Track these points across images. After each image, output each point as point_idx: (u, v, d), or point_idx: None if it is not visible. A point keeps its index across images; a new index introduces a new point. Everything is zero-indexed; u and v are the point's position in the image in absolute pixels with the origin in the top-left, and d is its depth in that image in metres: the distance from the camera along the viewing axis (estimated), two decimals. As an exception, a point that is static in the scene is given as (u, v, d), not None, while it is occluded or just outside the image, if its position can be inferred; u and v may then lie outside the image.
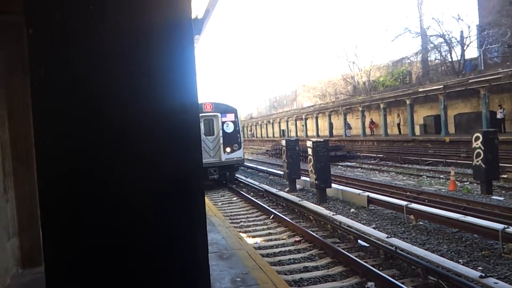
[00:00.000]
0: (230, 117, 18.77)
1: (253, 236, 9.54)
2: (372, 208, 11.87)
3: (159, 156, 1.15)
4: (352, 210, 11.87)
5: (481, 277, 5.61)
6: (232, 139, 18.44)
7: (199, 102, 12.18)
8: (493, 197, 12.50)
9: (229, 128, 18.59)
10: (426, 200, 11.98)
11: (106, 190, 1.10)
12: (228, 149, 18.31)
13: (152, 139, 1.14)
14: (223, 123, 18.48)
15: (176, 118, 1.18)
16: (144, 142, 1.14)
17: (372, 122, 37.80)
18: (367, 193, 12.39)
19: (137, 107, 1.15)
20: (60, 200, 1.13)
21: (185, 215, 1.15)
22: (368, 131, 37.26)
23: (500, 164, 13.96)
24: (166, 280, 1.13)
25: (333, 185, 13.91)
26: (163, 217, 1.13)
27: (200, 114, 16.08)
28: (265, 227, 10.83)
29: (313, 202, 12.63)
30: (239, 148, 18.64)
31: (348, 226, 9.20)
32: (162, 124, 1.16)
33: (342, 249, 7.84)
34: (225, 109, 18.87)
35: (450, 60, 35.64)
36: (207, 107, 18.37)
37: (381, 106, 33.08)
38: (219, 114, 18.45)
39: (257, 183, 17.72)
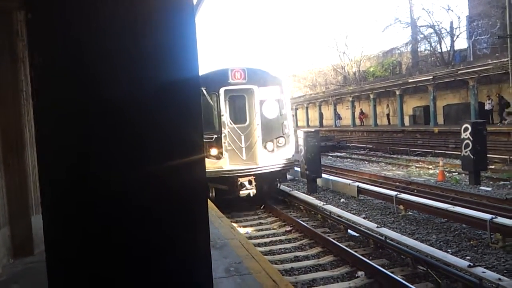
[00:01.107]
0: (273, 92, 11.84)
1: (244, 226, 9.58)
2: (362, 198, 11.96)
3: (163, 141, 1.14)
4: (342, 200, 11.95)
5: (469, 266, 5.69)
6: (275, 129, 11.78)
7: (222, 68, 10.34)
8: (481, 187, 12.66)
9: (271, 111, 11.79)
10: (415, 191, 12.11)
11: (109, 178, 1.09)
12: (269, 146, 11.59)
13: (155, 120, 1.13)
14: (261, 102, 11.56)
15: (178, 93, 1.16)
16: (146, 126, 1.13)
17: (362, 113, 37.93)
18: (357, 183, 12.48)
19: (140, 89, 1.14)
20: (62, 188, 1.12)
21: (186, 210, 1.15)
22: (358, 121, 37.38)
23: (488, 155, 14.13)
24: (169, 276, 1.12)
25: (323, 175, 13.93)
26: (164, 209, 1.12)
27: (223, 88, 11.14)
28: (255, 217, 10.89)
29: (303, 192, 12.67)
30: (287, 143, 11.93)
31: (338, 216, 9.27)
32: (164, 102, 1.15)
33: (332, 239, 7.90)
34: (265, 80, 11.87)
35: (439, 51, 35.78)
36: (235, 76, 11.39)
37: (371, 96, 33.17)
38: (254, 88, 11.42)
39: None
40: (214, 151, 11.06)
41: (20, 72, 5.18)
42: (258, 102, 11.51)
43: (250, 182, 10.95)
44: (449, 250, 7.21)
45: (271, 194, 12.37)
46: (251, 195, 10.96)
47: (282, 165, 11.65)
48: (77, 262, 1.10)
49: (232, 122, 11.49)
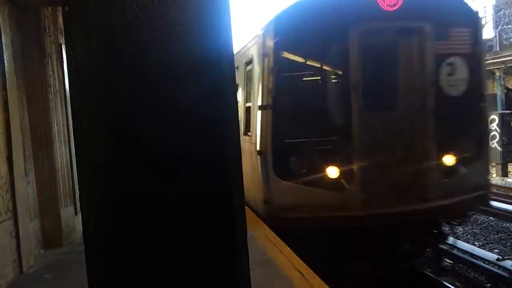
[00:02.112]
0: (461, 40, 5.81)
1: None
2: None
3: (195, 120, 1.14)
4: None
5: (498, 259, 5.58)
6: (461, 122, 5.69)
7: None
8: (508, 179, 12.39)
9: (459, 82, 5.75)
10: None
11: (147, 167, 1.10)
12: (449, 159, 5.67)
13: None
14: (440, 61, 5.64)
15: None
16: (181, 102, 1.14)
17: None
18: None
19: (177, 72, 1.15)
20: (100, 179, 1.13)
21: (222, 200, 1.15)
22: None
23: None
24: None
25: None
26: (204, 196, 1.12)
27: (358, 28, 5.40)
28: None
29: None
30: (485, 151, 6.12)
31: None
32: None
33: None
34: (444, 12, 5.75)
35: (465, 41, 34.87)
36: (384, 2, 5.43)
37: None
38: (425, 28, 5.54)
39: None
40: (332, 171, 5.45)
41: (47, 67, 5.28)
42: (432, 60, 5.52)
43: (409, 237, 5.57)
44: (476, 243, 7.09)
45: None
46: (410, 257, 5.61)
47: (470, 199, 5.60)
48: (117, 253, 1.12)
49: (369, 106, 5.45)
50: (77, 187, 1.28)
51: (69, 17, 1.19)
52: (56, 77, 5.42)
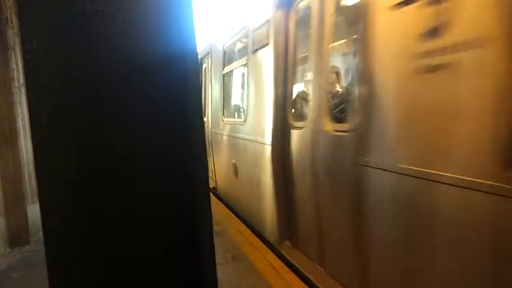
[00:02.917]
0: None
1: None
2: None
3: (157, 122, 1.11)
4: None
5: None
6: None
7: None
8: None
9: None
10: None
11: (107, 164, 1.06)
12: None
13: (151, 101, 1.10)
14: None
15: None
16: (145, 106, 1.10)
17: None
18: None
19: (137, 71, 1.11)
20: (59, 176, 1.09)
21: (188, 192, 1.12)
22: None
23: None
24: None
25: None
26: (165, 194, 1.09)
27: None
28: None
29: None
30: None
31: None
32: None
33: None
34: None
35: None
36: None
37: None
38: None
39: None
40: None
41: (11, 60, 5.10)
42: None
43: None
44: None
45: None
46: None
47: None
48: (77, 252, 1.08)
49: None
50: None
51: (24, 7, 1.14)
52: (20, 70, 5.25)
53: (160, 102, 1.13)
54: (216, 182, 7.93)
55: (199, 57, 9.04)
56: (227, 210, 6.63)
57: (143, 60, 1.14)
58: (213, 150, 7.81)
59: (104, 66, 1.10)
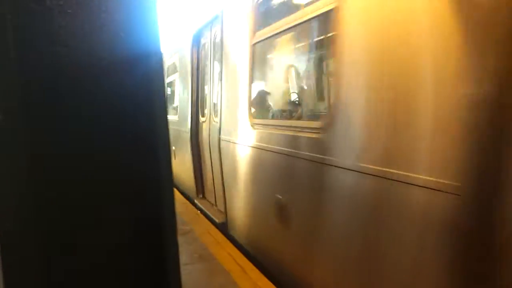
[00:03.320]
0: None
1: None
2: None
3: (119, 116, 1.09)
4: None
5: None
6: None
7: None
8: None
9: None
10: None
11: (66, 164, 1.03)
12: None
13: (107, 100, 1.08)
14: None
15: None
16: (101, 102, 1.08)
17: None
18: None
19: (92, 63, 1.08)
20: (14, 179, 1.05)
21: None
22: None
23: None
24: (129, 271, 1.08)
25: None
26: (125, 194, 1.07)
27: None
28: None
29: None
30: None
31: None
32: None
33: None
34: None
35: None
36: None
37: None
38: None
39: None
40: None
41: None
42: None
43: None
44: None
45: None
46: None
47: None
48: (34, 254, 1.05)
49: None
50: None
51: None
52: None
53: (124, 101, 1.11)
54: None
55: None
56: (195, 210, 6.60)
57: (106, 58, 1.11)
58: None
59: (67, 64, 1.07)
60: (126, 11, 1.14)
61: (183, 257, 4.41)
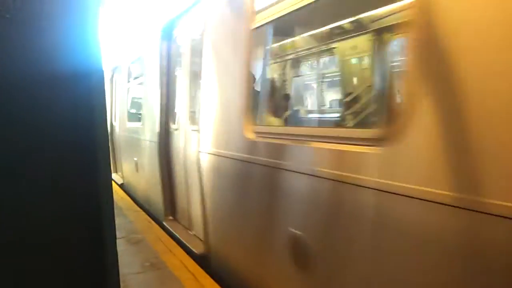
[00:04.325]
0: None
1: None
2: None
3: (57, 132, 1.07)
4: None
5: None
6: None
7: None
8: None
9: None
10: None
11: (6, 171, 1.01)
12: None
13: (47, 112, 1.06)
14: None
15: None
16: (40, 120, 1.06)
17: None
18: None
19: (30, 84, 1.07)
20: None
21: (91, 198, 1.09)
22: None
23: None
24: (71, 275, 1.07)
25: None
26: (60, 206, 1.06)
27: None
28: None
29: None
30: None
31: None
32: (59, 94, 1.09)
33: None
34: None
35: None
36: None
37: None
38: None
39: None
40: None
41: None
42: None
43: None
44: None
45: None
46: None
47: None
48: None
49: None
50: None
51: None
52: None
53: (65, 112, 1.09)
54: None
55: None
56: (147, 217, 6.48)
57: (48, 62, 1.10)
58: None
59: (4, 71, 1.05)
60: (68, 17, 1.12)
61: (135, 266, 4.34)
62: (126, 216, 6.50)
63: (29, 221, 0.98)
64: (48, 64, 1.12)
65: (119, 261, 1.18)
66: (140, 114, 7.36)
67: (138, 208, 7.12)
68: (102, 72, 1.18)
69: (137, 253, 4.74)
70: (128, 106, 8.63)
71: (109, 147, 1.15)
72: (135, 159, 7.39)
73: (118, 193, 8.54)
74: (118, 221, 6.31)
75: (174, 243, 5.10)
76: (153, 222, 6.16)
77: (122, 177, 9.18)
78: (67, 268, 1.03)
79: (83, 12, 1.14)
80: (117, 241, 1.17)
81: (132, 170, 7.83)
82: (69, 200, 1.07)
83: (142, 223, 6.15)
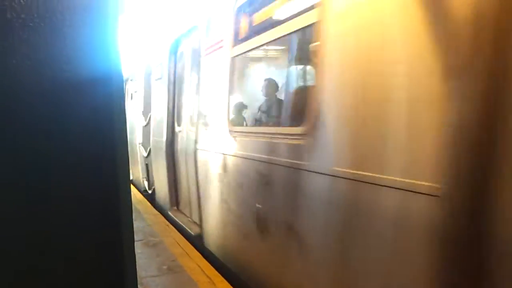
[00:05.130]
0: None
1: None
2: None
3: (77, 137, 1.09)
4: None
5: None
6: None
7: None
8: None
9: None
10: None
11: (27, 176, 1.03)
12: None
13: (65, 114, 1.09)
14: None
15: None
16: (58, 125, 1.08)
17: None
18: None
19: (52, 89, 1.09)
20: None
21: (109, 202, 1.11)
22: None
23: None
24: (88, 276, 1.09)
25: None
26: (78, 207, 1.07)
27: None
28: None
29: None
30: None
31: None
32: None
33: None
34: None
35: None
36: None
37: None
38: None
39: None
40: None
41: None
42: None
43: None
44: None
45: None
46: None
47: None
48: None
49: None
50: None
51: None
52: None
53: (86, 119, 1.11)
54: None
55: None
56: (164, 220, 6.54)
57: (69, 77, 1.12)
58: None
59: (28, 76, 1.08)
60: (89, 29, 1.15)
61: (152, 269, 4.37)
62: (144, 220, 6.56)
63: (48, 226, 1.01)
64: (70, 71, 1.14)
65: (136, 264, 1.21)
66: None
67: (156, 212, 7.18)
68: (122, 77, 1.20)
69: (155, 256, 4.78)
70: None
71: (128, 151, 1.17)
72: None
73: (136, 197, 8.64)
74: (136, 224, 6.42)
75: (191, 246, 5.13)
76: (171, 225, 6.21)
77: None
78: (84, 271, 1.05)
79: (103, 20, 1.16)
80: (135, 244, 1.19)
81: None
82: (88, 204, 1.09)
83: (159, 226, 6.20)
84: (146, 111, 8.42)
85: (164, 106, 6.79)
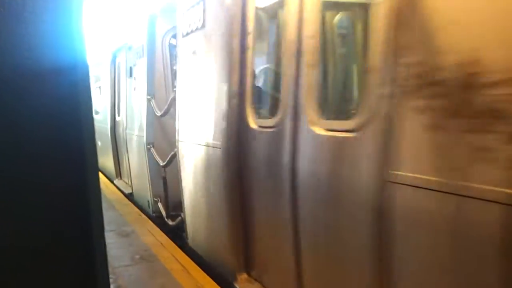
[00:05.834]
0: None
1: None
2: None
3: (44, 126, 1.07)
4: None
5: None
6: None
7: None
8: None
9: None
10: None
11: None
12: None
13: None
14: None
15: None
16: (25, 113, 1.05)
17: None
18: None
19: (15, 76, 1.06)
20: None
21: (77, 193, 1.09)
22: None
23: None
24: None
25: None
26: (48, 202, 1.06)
27: None
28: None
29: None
30: None
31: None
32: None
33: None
34: None
35: None
36: None
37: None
38: None
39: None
40: None
41: None
42: None
43: None
44: None
45: None
46: None
47: None
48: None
49: None
50: None
51: None
52: None
53: (49, 108, 1.08)
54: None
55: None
56: (137, 210, 6.48)
57: (32, 65, 1.08)
58: None
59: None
60: (53, 15, 1.11)
61: (124, 259, 4.34)
62: (116, 210, 6.48)
63: (14, 218, 0.98)
64: (32, 58, 1.11)
65: (108, 254, 1.19)
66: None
67: (128, 202, 7.11)
68: (87, 65, 1.17)
69: (127, 246, 4.74)
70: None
71: (95, 141, 1.15)
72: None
73: (109, 188, 8.51)
74: (108, 214, 6.32)
75: (165, 236, 5.11)
76: (143, 215, 6.16)
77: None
78: (54, 263, 1.04)
79: (67, 5, 1.13)
80: (108, 234, 1.17)
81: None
82: (55, 195, 1.07)
83: (132, 216, 6.14)
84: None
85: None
